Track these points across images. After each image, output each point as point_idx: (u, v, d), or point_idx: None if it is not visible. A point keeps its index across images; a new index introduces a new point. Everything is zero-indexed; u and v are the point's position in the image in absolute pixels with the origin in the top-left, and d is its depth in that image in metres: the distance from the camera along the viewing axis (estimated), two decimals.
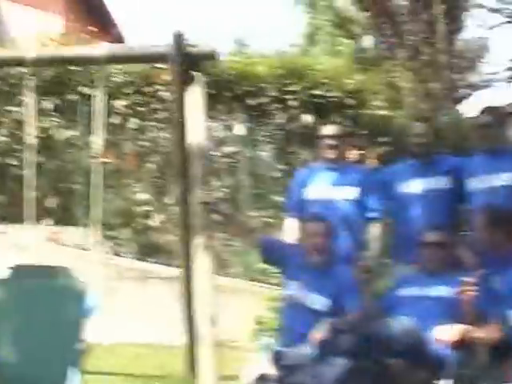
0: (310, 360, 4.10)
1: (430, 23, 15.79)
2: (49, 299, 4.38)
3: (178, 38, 4.59)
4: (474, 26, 17.82)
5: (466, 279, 4.12)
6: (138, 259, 8.17)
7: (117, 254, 8.11)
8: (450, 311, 4.28)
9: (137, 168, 8.43)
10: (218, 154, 8.05)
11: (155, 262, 8.08)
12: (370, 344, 3.97)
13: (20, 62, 5.34)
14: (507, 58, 14.64)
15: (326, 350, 4.08)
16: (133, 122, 8.45)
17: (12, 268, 4.39)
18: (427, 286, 4.49)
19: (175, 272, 6.17)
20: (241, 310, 6.77)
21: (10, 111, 8.35)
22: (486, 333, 4.06)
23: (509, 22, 14.60)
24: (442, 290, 4.42)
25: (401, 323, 3.97)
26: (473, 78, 17.92)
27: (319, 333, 4.22)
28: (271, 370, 4.14)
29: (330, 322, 4.27)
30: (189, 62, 4.64)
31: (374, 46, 16.94)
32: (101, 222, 5.35)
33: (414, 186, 5.14)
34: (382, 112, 8.37)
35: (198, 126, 4.43)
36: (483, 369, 4.56)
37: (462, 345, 4.08)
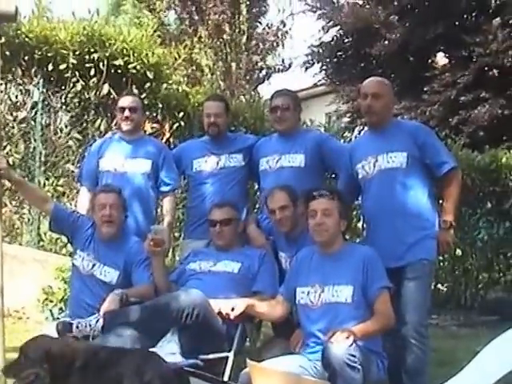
0: (97, 331, 4.12)
1: (233, 4, 16.08)
2: None
3: None
4: (276, 11, 18.22)
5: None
6: None
7: None
8: (236, 286, 4.44)
9: None
10: (12, 118, 7.79)
11: None
12: (157, 315, 4.04)
13: None
14: (305, 44, 15.19)
15: (114, 321, 4.11)
16: None
17: None
18: (215, 261, 4.61)
19: None
20: (30, 280, 6.62)
21: None
22: (269, 308, 4.26)
23: (309, 10, 15.13)
24: (228, 266, 4.57)
25: (190, 296, 4.05)
26: (272, 62, 18.44)
27: (107, 304, 4.25)
28: None
29: (119, 294, 4.31)
30: None
31: (177, 21, 17.00)
32: None
33: (207, 163, 5.23)
34: (180, 87, 8.43)
35: None
36: (266, 341, 4.78)
37: (245, 318, 4.25)
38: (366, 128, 5.12)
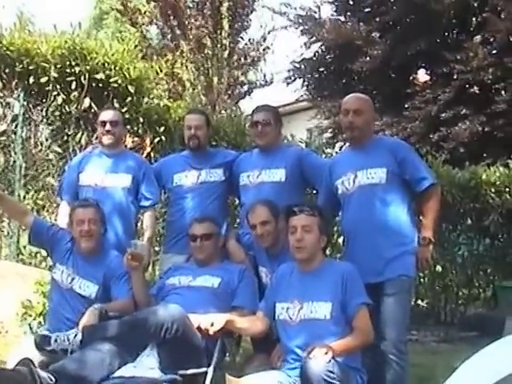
0: (76, 345, 4.10)
1: (215, 19, 16.12)
2: None
3: None
4: (258, 26, 18.28)
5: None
6: None
7: None
8: (215, 301, 4.44)
9: None
10: None
11: None
12: (136, 330, 4.02)
13: None
14: (287, 60, 15.26)
15: (93, 335, 4.09)
16: None
17: None
18: (195, 276, 4.61)
19: None
20: (9, 294, 6.57)
21: None
22: (248, 323, 4.25)
23: (291, 25, 15.21)
24: (207, 280, 4.57)
25: (169, 311, 4.03)
26: (254, 77, 18.49)
27: (86, 318, 4.23)
28: (34, 355, 4.08)
29: (98, 308, 4.29)
30: None
31: (159, 35, 17.03)
32: None
33: (188, 177, 5.24)
34: (161, 102, 8.42)
35: None
36: (246, 357, 4.77)
37: (225, 333, 4.22)
38: (346, 144, 5.13)
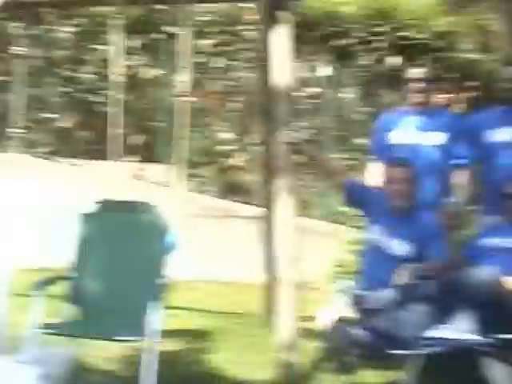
0: (390, 305, 4.11)
1: None
2: (132, 234, 4.49)
3: None
4: None
5: None
6: (220, 198, 8.28)
7: (199, 192, 8.22)
8: None
9: (221, 107, 8.50)
10: (303, 94, 8.01)
11: (237, 201, 8.17)
12: (452, 292, 3.97)
13: (107, 1, 5.50)
14: None
15: (407, 295, 4.08)
16: (217, 62, 8.50)
17: (97, 203, 4.50)
18: (510, 237, 4.41)
19: (256, 211, 6.23)
20: (321, 252, 6.80)
21: (96, 49, 8.51)
22: None
23: None
24: None
25: (484, 273, 3.93)
26: None
27: (400, 278, 4.22)
28: (348, 313, 4.17)
29: (412, 268, 4.26)
30: (276, 1, 4.65)
31: None
32: (185, 160, 5.40)
33: (503, 134, 5.01)
34: (471, 55, 8.17)
35: (283, 67, 4.44)
36: None
37: None
38: None
